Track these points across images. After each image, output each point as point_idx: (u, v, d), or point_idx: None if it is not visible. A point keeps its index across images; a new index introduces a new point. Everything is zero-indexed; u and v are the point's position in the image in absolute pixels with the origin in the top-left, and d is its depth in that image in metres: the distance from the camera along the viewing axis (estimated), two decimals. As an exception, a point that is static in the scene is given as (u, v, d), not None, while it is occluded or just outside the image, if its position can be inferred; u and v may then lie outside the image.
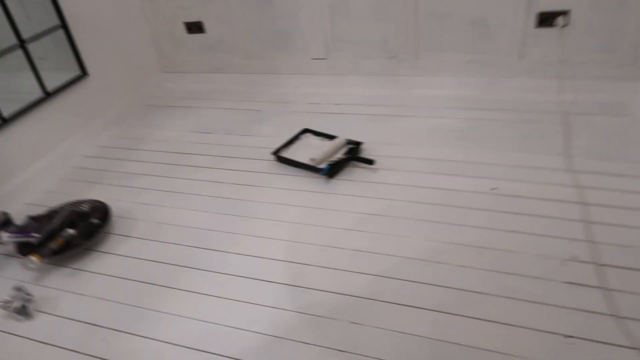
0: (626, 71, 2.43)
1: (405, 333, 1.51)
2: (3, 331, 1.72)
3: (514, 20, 2.47)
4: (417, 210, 1.98)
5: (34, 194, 2.42)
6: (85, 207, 2.13)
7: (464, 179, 2.10)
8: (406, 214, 1.96)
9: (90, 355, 1.59)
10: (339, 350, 1.49)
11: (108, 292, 1.82)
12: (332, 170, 2.23)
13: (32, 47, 2.43)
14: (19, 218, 2.08)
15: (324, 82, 3.00)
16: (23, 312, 1.73)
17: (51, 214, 2.10)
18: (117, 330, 1.66)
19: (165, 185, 2.36)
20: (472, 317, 1.53)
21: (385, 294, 1.65)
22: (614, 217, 1.80)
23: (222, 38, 3.10)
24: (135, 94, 3.17)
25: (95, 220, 2.05)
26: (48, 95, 2.54)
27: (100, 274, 1.91)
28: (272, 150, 2.45)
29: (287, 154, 2.42)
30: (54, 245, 1.92)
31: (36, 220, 2.07)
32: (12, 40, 2.35)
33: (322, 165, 2.26)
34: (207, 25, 3.08)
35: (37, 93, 2.50)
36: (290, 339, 1.55)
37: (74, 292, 1.84)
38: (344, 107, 2.81)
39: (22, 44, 2.38)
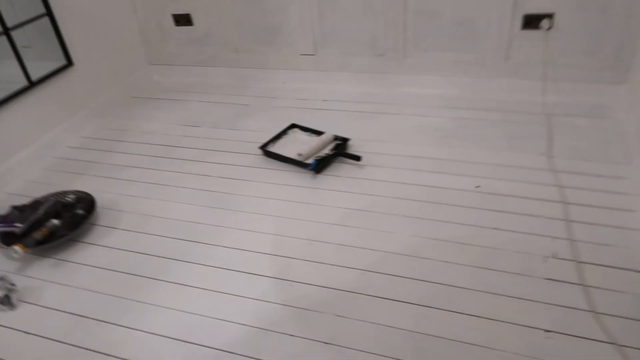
0: (608, 75, 2.48)
1: (389, 326, 1.54)
2: (-14, 321, 1.71)
3: (500, 22, 2.51)
4: (402, 206, 2.00)
5: (17, 183, 2.40)
6: (70, 198, 2.12)
7: (449, 176, 2.13)
8: (391, 210, 1.99)
9: (74, 346, 1.59)
10: (324, 343, 1.51)
11: (93, 283, 1.82)
12: (319, 165, 2.24)
13: (16, 36, 2.40)
14: (1, 208, 2.07)
15: (312, 78, 3.01)
16: (6, 301, 1.71)
17: (35, 204, 2.08)
18: (102, 321, 1.66)
19: (151, 177, 2.36)
20: (454, 312, 1.56)
21: (370, 288, 1.67)
22: (593, 216, 1.85)
23: (210, 31, 3.09)
24: (121, 85, 3.14)
25: (80, 211, 2.04)
26: (32, 84, 2.51)
27: (86, 265, 1.90)
28: (260, 144, 2.45)
29: (274, 148, 2.43)
30: (38, 235, 1.91)
31: (20, 210, 2.06)
32: (-4, 27, 2.33)
33: (309, 161, 2.27)
34: (195, 18, 3.07)
35: (21, 82, 2.47)
36: (275, 331, 1.56)
37: (58, 283, 1.83)
38: (331, 103, 2.83)
39: (6, 31, 2.36)
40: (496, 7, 2.48)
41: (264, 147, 2.43)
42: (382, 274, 1.72)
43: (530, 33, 2.51)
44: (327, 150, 2.34)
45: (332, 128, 2.52)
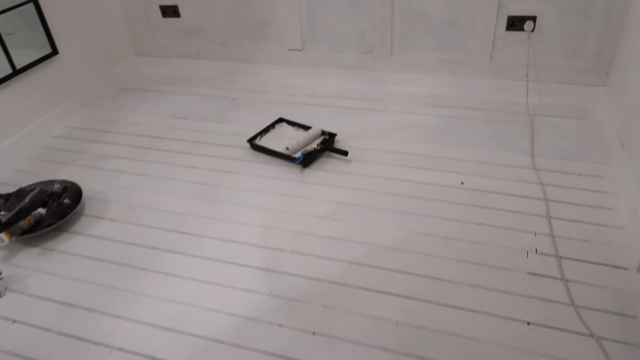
0: (588, 77, 2.55)
1: (376, 317, 1.57)
2: (-29, 308, 1.70)
3: (486, 22, 2.56)
4: (389, 201, 2.04)
5: (2, 172, 2.38)
6: (57, 187, 2.11)
7: (435, 173, 2.17)
8: (378, 205, 2.02)
9: (62, 334, 1.59)
10: (312, 333, 1.54)
11: (80, 272, 1.82)
12: (307, 159, 2.26)
13: (-1, 22, 2.38)
14: (-13, 196, 2.05)
15: (300, 73, 3.02)
16: (-7, 289, 1.71)
17: (21, 193, 2.07)
18: (90, 310, 1.67)
19: (138, 168, 2.35)
20: (439, 304, 1.60)
21: (357, 280, 1.70)
22: (573, 214, 1.90)
23: (197, 23, 3.08)
24: (107, 76, 3.12)
25: (67, 201, 2.03)
26: (16, 72, 2.48)
27: (73, 254, 1.90)
28: (247, 138, 2.47)
29: (262, 142, 2.45)
30: (24, 224, 1.90)
31: (5, 199, 2.04)
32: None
33: (297, 155, 2.29)
34: (182, 10, 3.06)
35: (5, 69, 2.44)
36: (264, 321, 1.58)
37: (45, 272, 1.83)
38: (319, 98, 2.85)
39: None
40: (481, 8, 2.53)
41: (251, 141, 2.44)
42: (369, 267, 1.75)
43: (515, 34, 2.56)
44: (314, 145, 2.36)
45: (320, 123, 2.54)
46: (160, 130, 2.66)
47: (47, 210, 1.99)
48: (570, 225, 1.85)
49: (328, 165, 2.28)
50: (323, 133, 2.44)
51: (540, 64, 2.59)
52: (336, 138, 2.43)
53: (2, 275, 1.75)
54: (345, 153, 2.28)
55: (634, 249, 1.71)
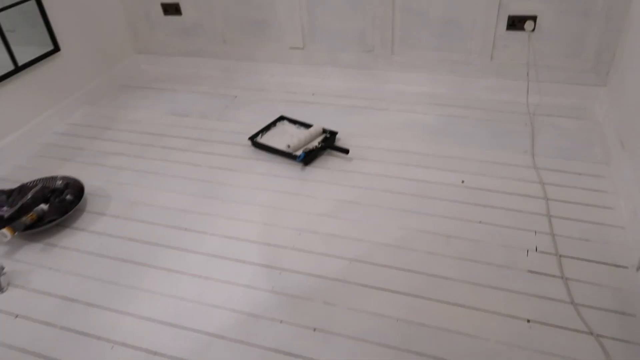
0: (589, 77, 2.56)
1: (376, 314, 1.58)
2: (-27, 303, 1.70)
3: (486, 22, 2.57)
4: (389, 199, 2.05)
5: (4, 168, 2.39)
6: (59, 183, 2.12)
7: (435, 171, 2.18)
8: (379, 203, 2.03)
9: (64, 329, 1.60)
10: (313, 329, 1.54)
11: (82, 268, 1.82)
12: (308, 157, 2.27)
13: (0, 19, 2.37)
14: (-11, 191, 2.05)
15: (301, 72, 3.03)
16: (-5, 284, 1.72)
17: (23, 189, 2.07)
18: (92, 305, 1.67)
19: (140, 165, 2.36)
20: (440, 301, 1.61)
21: (358, 278, 1.71)
22: (573, 213, 1.91)
23: (199, 22, 3.09)
24: (108, 74, 3.12)
25: (69, 197, 2.04)
26: (18, 68, 2.48)
27: (74, 250, 1.90)
28: (248, 135, 2.47)
29: (263, 139, 2.45)
30: (26, 219, 1.90)
31: (7, 195, 2.05)
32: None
33: (298, 153, 2.30)
34: (184, 8, 3.07)
35: (6, 66, 2.44)
36: (265, 317, 1.59)
37: (47, 267, 1.83)
38: (320, 97, 2.85)
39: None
40: (482, 8, 2.54)
41: (252, 138, 2.45)
42: (370, 264, 1.75)
43: (515, 34, 2.57)
44: (315, 143, 2.37)
45: (321, 121, 2.55)
46: (162, 127, 2.66)
47: (49, 206, 1.99)
48: (570, 224, 1.86)
49: (329, 163, 2.29)
50: (324, 131, 2.45)
51: (541, 64, 2.61)
52: (337, 136, 2.44)
53: (5, 270, 1.76)
54: (346, 151, 2.29)
55: (633, 248, 1.72)
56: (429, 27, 2.69)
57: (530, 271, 1.69)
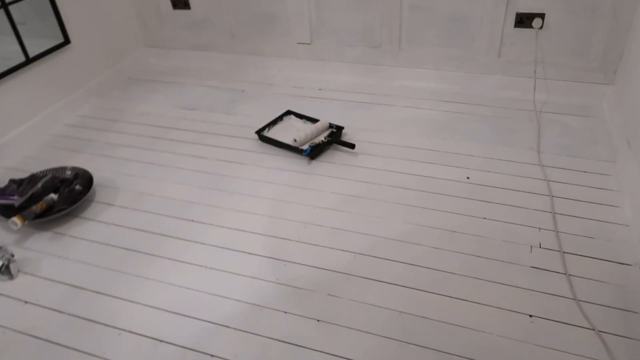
0: (596, 75, 2.56)
1: (379, 307, 1.59)
2: (-16, 289, 1.74)
3: (494, 19, 2.57)
4: (395, 194, 2.06)
5: (14, 158, 2.42)
6: (68, 174, 2.14)
7: (440, 167, 2.19)
8: (384, 197, 2.04)
9: (72, 315, 1.63)
10: (317, 320, 1.56)
11: (90, 256, 1.85)
12: (314, 151, 2.29)
13: (11, 11, 2.40)
14: (0, 181, 2.08)
15: (308, 67, 3.05)
16: (6, 271, 1.74)
17: (33, 179, 2.10)
18: (99, 293, 1.70)
19: (148, 157, 2.38)
20: (442, 295, 1.62)
21: (361, 271, 1.72)
22: (578, 210, 1.92)
23: (207, 16, 3.11)
24: (118, 66, 3.15)
25: (78, 187, 2.07)
26: (29, 60, 2.51)
27: (83, 239, 1.93)
28: (256, 129, 2.49)
29: (270, 133, 2.47)
30: (36, 208, 1.93)
31: (18, 184, 2.07)
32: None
33: (304, 147, 2.32)
34: (193, 2, 3.08)
35: (17, 58, 2.47)
36: (269, 308, 1.61)
37: (56, 255, 1.86)
38: (327, 92, 2.87)
39: (4, 5, 2.35)
40: (490, 5, 2.54)
41: (259, 132, 2.46)
42: (374, 258, 1.77)
43: (522, 31, 2.57)
44: (322, 137, 2.38)
45: (327, 116, 2.57)
46: (170, 120, 2.69)
47: (58, 196, 2.02)
48: (574, 222, 1.87)
49: (335, 157, 2.31)
50: (330, 126, 2.46)
51: (548, 62, 2.61)
52: (343, 131, 2.46)
53: (15, 257, 1.79)
54: (352, 146, 2.31)
55: (637, 246, 1.73)
56: (437, 23, 2.69)
57: (533, 267, 1.70)
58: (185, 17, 3.16)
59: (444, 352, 1.45)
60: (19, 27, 2.45)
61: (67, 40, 2.74)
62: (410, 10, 2.69)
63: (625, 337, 1.46)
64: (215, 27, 3.13)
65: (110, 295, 1.69)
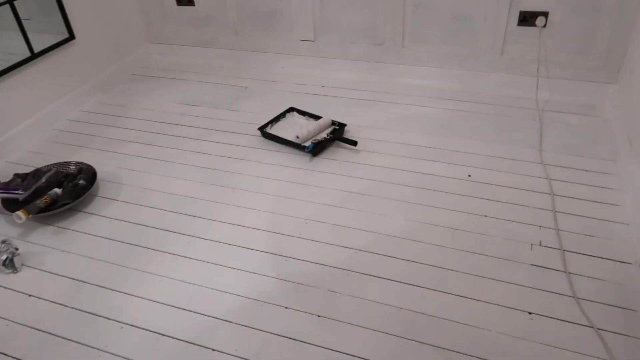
0: (599, 74, 2.56)
1: (380, 303, 1.60)
2: (-12, 282, 1.75)
3: (497, 17, 2.57)
4: (396, 191, 2.07)
5: (18, 153, 2.43)
6: (72, 169, 2.16)
7: (442, 164, 2.20)
8: (386, 194, 2.05)
9: (75, 309, 1.64)
10: (317, 316, 1.57)
11: (93, 251, 1.87)
12: (316, 148, 2.30)
13: (17, 7, 2.41)
14: (4, 176, 2.10)
15: (311, 64, 3.05)
16: (10, 264, 1.76)
17: (37, 173, 2.12)
18: (102, 287, 1.72)
19: (151, 153, 2.40)
20: (443, 292, 1.63)
21: (363, 267, 1.73)
22: (578, 209, 1.92)
23: (211, 12, 3.11)
24: (122, 62, 3.16)
25: (82, 182, 2.08)
26: (34, 55, 2.52)
27: (86, 233, 1.95)
28: (258, 126, 2.50)
29: (272, 130, 2.48)
30: (40, 202, 1.95)
31: (22, 179, 2.09)
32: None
33: (307, 144, 2.33)
34: (197, -1, 3.10)
35: (22, 53, 2.48)
36: (270, 303, 1.62)
37: (59, 249, 1.88)
38: (329, 89, 2.87)
39: (10, 1, 2.36)
40: (493, 3, 2.54)
41: (262, 129, 2.47)
42: (375, 254, 1.78)
43: (526, 30, 2.57)
44: (324, 134, 2.39)
45: (330, 113, 2.58)
46: (173, 116, 2.70)
47: (62, 191, 2.04)
48: (575, 220, 1.87)
49: (337, 154, 2.32)
50: (333, 123, 2.47)
51: (551, 60, 2.61)
52: (346, 128, 2.47)
53: (19, 251, 1.80)
54: (354, 143, 2.31)
55: (637, 245, 1.74)
56: (440, 21, 2.69)
57: (534, 265, 1.70)
58: (189, 14, 3.17)
59: (444, 349, 1.46)
60: (25, 23, 2.47)
61: (71, 36, 2.75)
62: (413, 8, 2.70)
63: (625, 335, 1.46)
64: (219, 23, 3.14)
65: (112, 290, 1.70)
